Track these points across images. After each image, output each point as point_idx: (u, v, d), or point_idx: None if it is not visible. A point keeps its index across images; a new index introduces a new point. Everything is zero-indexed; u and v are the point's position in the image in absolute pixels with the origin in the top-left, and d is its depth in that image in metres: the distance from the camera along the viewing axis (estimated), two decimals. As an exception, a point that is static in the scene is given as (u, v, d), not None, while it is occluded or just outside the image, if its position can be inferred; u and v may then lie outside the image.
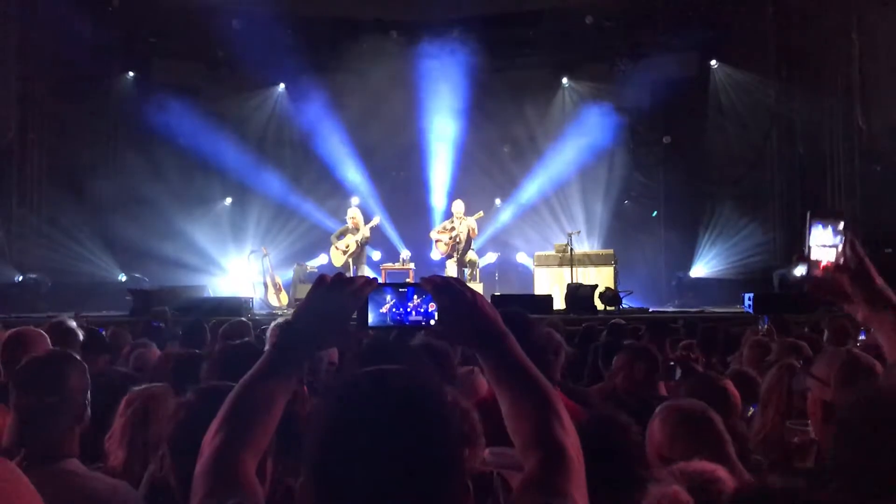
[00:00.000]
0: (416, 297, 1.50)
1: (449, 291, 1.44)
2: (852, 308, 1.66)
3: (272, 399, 1.37)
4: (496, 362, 1.41)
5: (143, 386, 2.81)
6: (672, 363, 4.29)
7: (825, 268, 1.62)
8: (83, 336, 4.18)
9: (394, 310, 1.50)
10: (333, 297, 1.43)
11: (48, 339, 3.42)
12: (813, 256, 1.68)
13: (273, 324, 4.04)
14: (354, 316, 1.47)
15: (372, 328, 1.51)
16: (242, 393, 1.37)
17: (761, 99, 15.09)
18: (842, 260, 1.66)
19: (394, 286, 1.51)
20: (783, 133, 14.98)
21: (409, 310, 1.50)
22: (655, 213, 16.49)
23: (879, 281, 1.63)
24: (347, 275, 1.46)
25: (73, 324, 4.09)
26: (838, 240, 1.67)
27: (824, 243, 1.69)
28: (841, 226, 1.69)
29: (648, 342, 5.88)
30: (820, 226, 1.70)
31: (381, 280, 9.16)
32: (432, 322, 1.48)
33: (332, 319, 1.43)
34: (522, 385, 1.38)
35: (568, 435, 1.33)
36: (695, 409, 2.31)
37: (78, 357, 2.60)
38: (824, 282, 1.65)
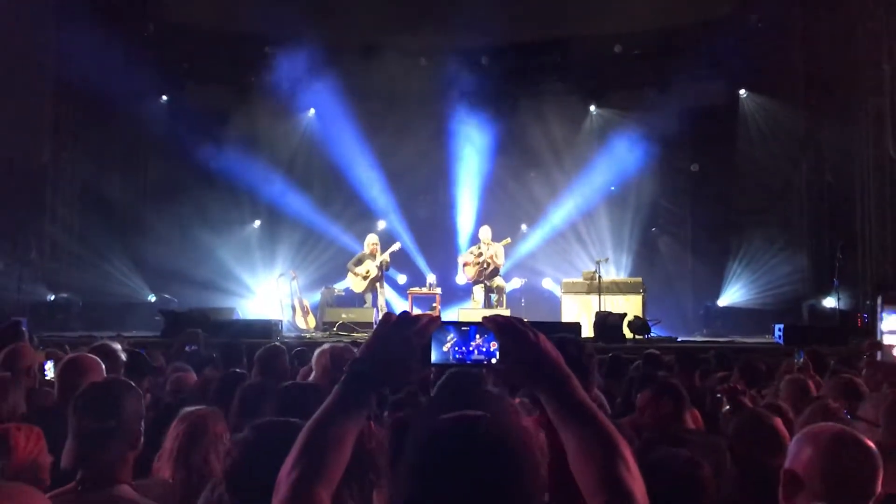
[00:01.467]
0: (478, 335, 1.52)
1: (512, 331, 1.46)
2: None
3: (343, 435, 1.40)
4: (560, 404, 1.42)
5: (195, 407, 2.86)
6: (719, 395, 4.26)
7: None
8: (126, 358, 4.24)
9: (456, 348, 1.52)
10: (399, 335, 1.46)
11: (103, 367, 3.49)
12: (885, 342, 1.69)
13: (319, 350, 4.05)
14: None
15: (434, 366, 1.54)
16: (315, 429, 1.41)
17: (790, 128, 15.03)
18: None
19: (456, 324, 1.54)
20: (812, 162, 14.88)
21: (471, 348, 1.52)
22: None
23: None
24: (413, 314, 1.49)
25: (118, 346, 4.15)
26: None
27: (892, 329, 1.70)
28: None
29: (679, 373, 5.87)
30: (889, 311, 1.72)
31: (407, 304, 9.24)
32: (493, 361, 1.51)
33: (397, 357, 1.46)
34: (587, 427, 1.39)
35: (634, 478, 1.35)
36: (853, 436, 2.19)
37: (134, 384, 2.66)
38: None
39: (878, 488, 2.07)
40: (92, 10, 14.34)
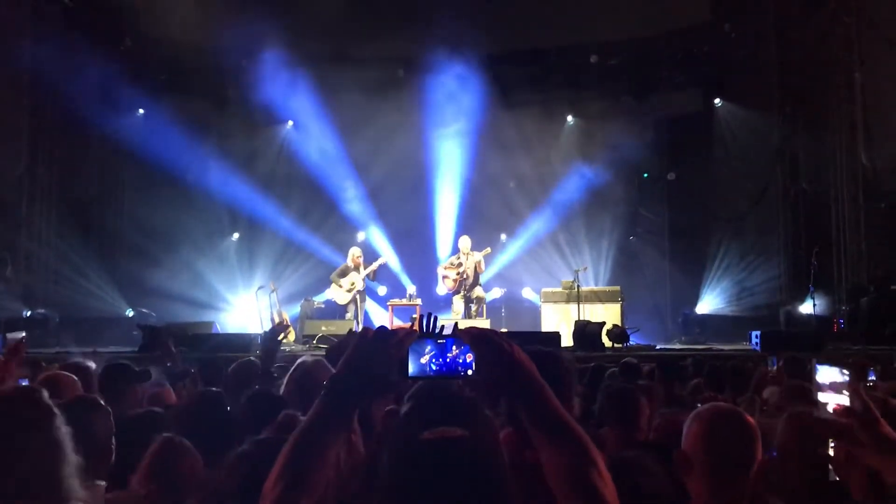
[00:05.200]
0: (454, 347, 1.54)
1: (487, 343, 1.48)
2: (859, 450, 1.74)
3: (326, 449, 1.43)
4: (534, 414, 1.45)
5: (160, 442, 2.84)
6: (699, 405, 4.26)
7: (835, 410, 1.69)
8: (102, 372, 4.19)
9: (433, 360, 1.54)
10: (377, 349, 1.49)
11: (79, 384, 3.44)
12: (821, 398, 1.77)
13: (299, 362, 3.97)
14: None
15: (412, 378, 1.55)
16: (297, 444, 1.43)
17: (765, 135, 15.19)
18: (852, 405, 1.73)
19: (433, 337, 1.56)
20: (788, 169, 15.04)
21: (447, 360, 1.54)
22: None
23: (886, 427, 1.71)
24: (389, 327, 1.51)
25: (92, 364, 4.10)
26: (844, 380, 1.76)
27: (833, 380, 1.78)
28: (848, 374, 1.78)
29: (660, 381, 5.90)
30: (826, 366, 1.80)
31: (387, 315, 9.18)
32: (470, 372, 1.52)
33: (376, 371, 1.48)
34: (560, 436, 1.42)
35: (606, 484, 1.38)
36: (731, 410, 2.40)
37: (102, 402, 2.63)
38: (833, 424, 1.72)
39: (757, 457, 2.26)
40: (68, 23, 14.29)
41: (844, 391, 1.70)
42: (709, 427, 2.29)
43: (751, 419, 2.33)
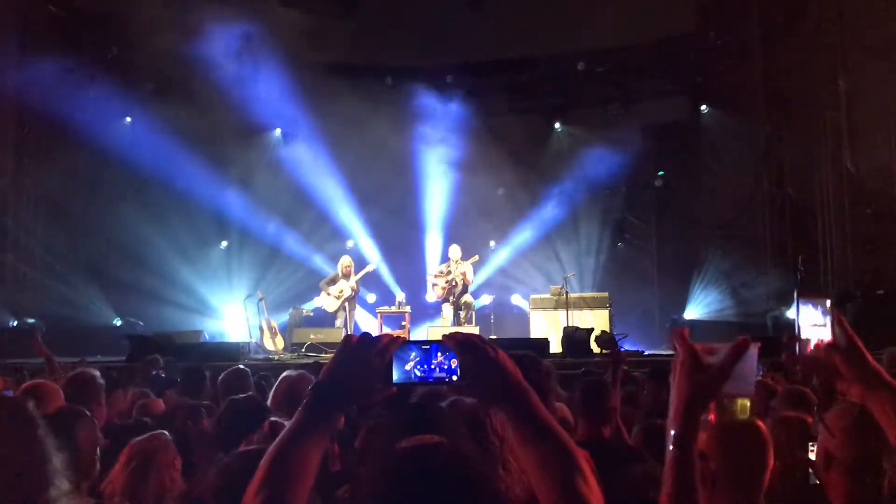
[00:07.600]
0: (439, 353, 1.53)
1: (472, 348, 1.47)
2: (844, 386, 1.65)
3: (307, 457, 1.40)
4: (519, 419, 1.44)
5: (144, 436, 2.82)
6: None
7: (817, 346, 1.61)
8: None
9: (417, 366, 1.53)
10: (361, 355, 1.47)
11: (62, 393, 3.41)
12: (804, 336, 1.71)
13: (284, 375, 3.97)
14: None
15: (397, 384, 1.55)
16: (278, 453, 1.41)
17: (751, 142, 15.26)
18: (833, 339, 1.64)
19: (418, 343, 1.55)
20: (774, 176, 15.11)
21: (432, 366, 1.53)
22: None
23: (872, 360, 1.62)
24: (374, 334, 1.50)
25: (97, 373, 4.06)
26: (827, 319, 1.69)
27: (814, 322, 1.72)
28: (828, 304, 1.72)
29: (651, 386, 5.92)
30: (809, 305, 1.73)
31: (376, 323, 9.17)
32: (455, 378, 1.52)
33: (360, 378, 1.46)
34: (546, 441, 1.41)
35: (591, 490, 1.38)
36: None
37: (87, 413, 2.62)
38: (816, 360, 1.64)
39: (770, 466, 2.16)
40: (55, 31, 14.24)
41: (826, 326, 1.63)
42: (719, 437, 2.15)
43: (762, 425, 2.23)
